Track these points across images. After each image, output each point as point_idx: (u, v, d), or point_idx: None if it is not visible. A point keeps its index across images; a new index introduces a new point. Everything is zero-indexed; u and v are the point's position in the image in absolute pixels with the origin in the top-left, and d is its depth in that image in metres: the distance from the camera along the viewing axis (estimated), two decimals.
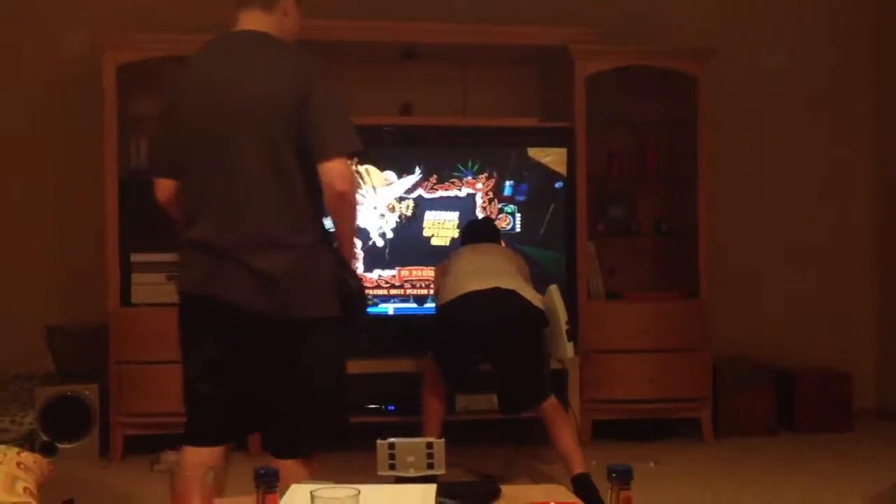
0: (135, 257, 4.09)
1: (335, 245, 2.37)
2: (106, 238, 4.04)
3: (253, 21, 2.33)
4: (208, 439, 2.33)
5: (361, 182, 4.25)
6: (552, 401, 3.43)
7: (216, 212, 2.25)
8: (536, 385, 3.46)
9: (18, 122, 4.44)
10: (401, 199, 4.30)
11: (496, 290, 3.44)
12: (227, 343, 2.27)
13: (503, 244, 4.04)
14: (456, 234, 4.28)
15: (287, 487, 1.96)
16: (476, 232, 3.98)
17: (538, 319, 3.49)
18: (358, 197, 2.29)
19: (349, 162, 2.27)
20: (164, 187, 2.38)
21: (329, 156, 2.21)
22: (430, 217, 4.29)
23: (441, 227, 4.31)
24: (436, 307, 3.74)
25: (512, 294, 3.45)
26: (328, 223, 2.36)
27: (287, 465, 2.23)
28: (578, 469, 3.25)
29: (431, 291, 3.99)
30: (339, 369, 2.36)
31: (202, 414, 2.35)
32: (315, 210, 2.29)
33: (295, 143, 2.23)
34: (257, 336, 2.25)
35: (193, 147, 2.28)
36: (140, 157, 4.25)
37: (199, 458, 2.29)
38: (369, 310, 4.18)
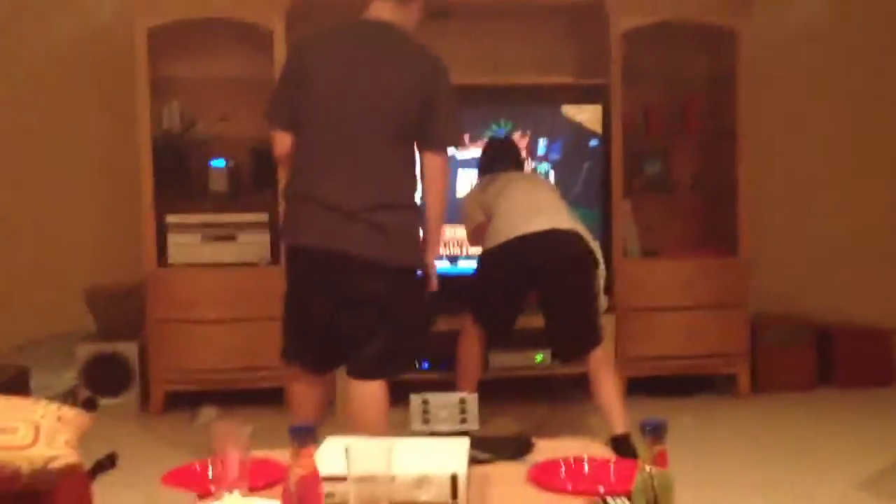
0: (170, 218, 4.12)
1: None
2: (141, 199, 4.08)
3: (385, 11, 2.71)
4: (316, 369, 2.81)
5: None
6: (601, 351, 3.36)
7: (340, 176, 2.62)
8: (592, 328, 3.39)
9: (51, 86, 4.47)
10: None
11: (554, 231, 3.36)
12: (337, 290, 2.65)
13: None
14: None
15: (368, 405, 2.65)
16: (507, 156, 3.82)
17: (594, 260, 3.43)
18: (448, 184, 2.86)
19: (447, 154, 2.75)
20: (286, 140, 2.73)
21: (436, 147, 2.70)
22: (464, 175, 4.26)
23: None
24: (484, 250, 3.55)
25: (571, 234, 3.38)
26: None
27: (373, 386, 2.66)
28: (619, 429, 3.20)
29: (466, 230, 3.75)
30: (427, 308, 2.84)
31: (310, 350, 2.77)
32: (414, 180, 2.75)
33: (410, 126, 2.66)
34: (368, 280, 2.63)
35: (323, 116, 2.65)
36: (172, 119, 4.27)
37: (306, 381, 2.80)
38: None
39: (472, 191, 3.75)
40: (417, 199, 2.76)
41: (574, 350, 3.42)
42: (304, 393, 2.82)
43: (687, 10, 4.31)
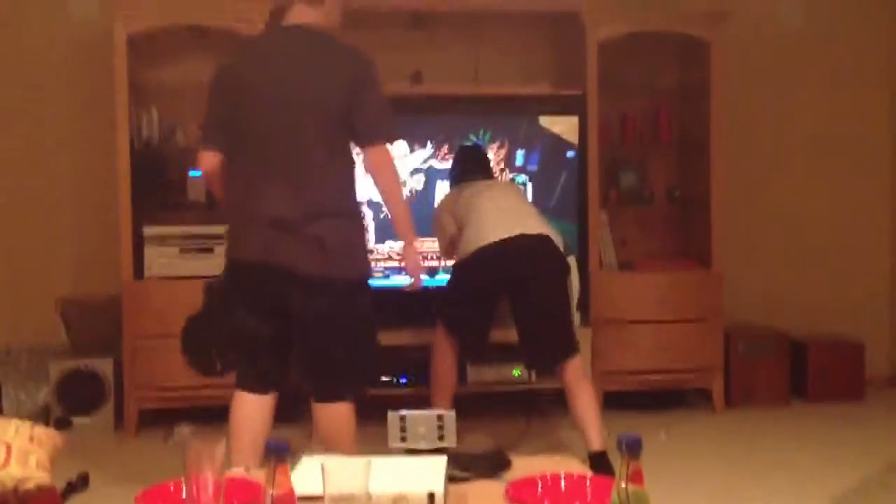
0: (147, 230, 4.09)
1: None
2: (118, 210, 4.04)
3: (306, 14, 2.65)
4: (260, 388, 2.70)
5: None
6: (577, 362, 3.32)
7: (280, 189, 2.56)
8: (568, 336, 3.35)
9: (30, 93, 4.43)
10: (413, 173, 4.28)
11: (524, 236, 3.34)
12: (279, 306, 2.60)
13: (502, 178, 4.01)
14: None
15: (337, 427, 2.63)
16: (477, 165, 3.81)
17: (566, 266, 3.42)
18: (398, 176, 2.74)
19: (389, 146, 2.65)
20: (210, 159, 2.69)
21: (374, 142, 2.61)
22: (442, 187, 4.26)
23: None
24: (457, 260, 3.53)
25: (542, 238, 3.37)
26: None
27: (334, 408, 2.64)
28: (596, 446, 3.18)
29: (440, 243, 3.73)
30: (373, 324, 2.73)
31: (255, 368, 2.70)
32: (354, 183, 2.67)
33: (341, 126, 2.59)
34: (310, 296, 2.57)
35: (255, 129, 2.60)
36: (152, 127, 4.24)
37: (249, 403, 2.69)
38: (383, 282, 4.19)
39: (443, 202, 3.74)
40: (362, 205, 2.76)
41: (549, 359, 3.38)
42: (246, 415, 2.70)
43: (662, 20, 4.36)
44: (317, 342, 2.62)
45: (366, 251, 2.73)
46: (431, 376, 3.59)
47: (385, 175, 2.65)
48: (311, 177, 2.58)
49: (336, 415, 2.66)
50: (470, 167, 3.78)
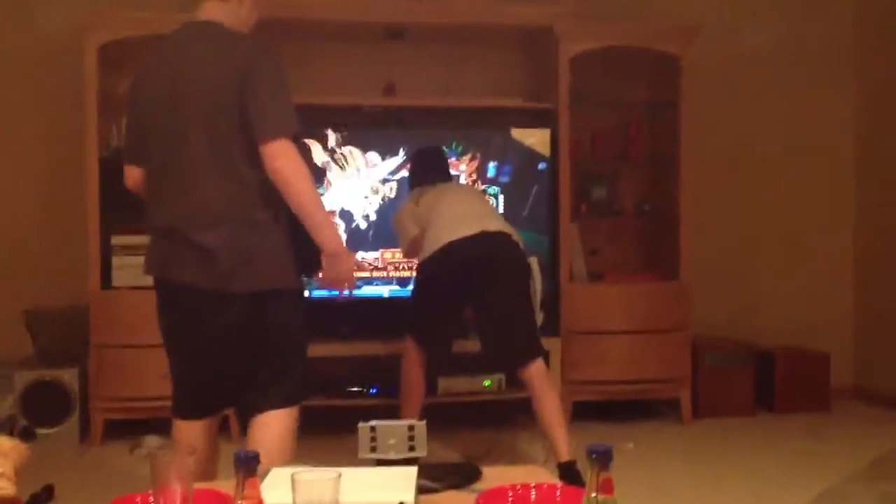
0: (115, 240, 4.05)
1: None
2: (86, 220, 4.00)
3: (210, 10, 2.44)
4: (191, 414, 2.48)
5: (345, 163, 4.23)
6: (541, 364, 3.28)
7: (169, 198, 2.36)
8: (530, 336, 3.34)
9: None
10: (384, 182, 4.28)
11: (484, 233, 3.34)
12: (186, 324, 2.40)
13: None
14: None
15: (268, 442, 2.32)
16: (437, 167, 3.80)
17: (527, 264, 3.42)
18: (305, 176, 2.31)
19: (288, 141, 2.28)
20: (131, 174, 2.51)
21: (270, 137, 2.27)
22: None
23: None
24: (419, 262, 3.51)
25: (502, 235, 3.38)
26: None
27: (270, 416, 2.38)
28: (565, 457, 3.15)
29: (402, 245, 3.71)
30: (293, 340, 2.46)
31: (182, 391, 2.49)
32: (259, 186, 2.32)
33: (238, 125, 2.29)
34: (207, 313, 2.35)
35: (151, 136, 2.40)
36: (121, 137, 4.19)
37: (186, 430, 2.47)
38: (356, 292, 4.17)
39: (404, 203, 3.73)
40: (264, 208, 2.34)
41: (512, 359, 3.34)
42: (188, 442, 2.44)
43: (633, 35, 4.40)
44: (230, 362, 2.40)
45: (276, 259, 2.37)
46: (401, 387, 3.58)
47: (285, 174, 2.26)
48: (194, 182, 2.31)
49: (272, 421, 2.39)
50: (428, 169, 3.77)
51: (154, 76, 2.41)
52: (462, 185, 4.08)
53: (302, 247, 2.41)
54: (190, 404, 2.49)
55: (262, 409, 2.40)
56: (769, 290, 4.93)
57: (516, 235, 3.45)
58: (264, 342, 2.39)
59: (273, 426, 2.39)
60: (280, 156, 2.26)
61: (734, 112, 4.90)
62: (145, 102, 2.41)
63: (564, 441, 3.19)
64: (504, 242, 3.38)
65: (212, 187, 2.31)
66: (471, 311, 3.42)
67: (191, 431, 2.45)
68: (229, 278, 2.30)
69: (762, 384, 4.56)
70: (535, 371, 3.26)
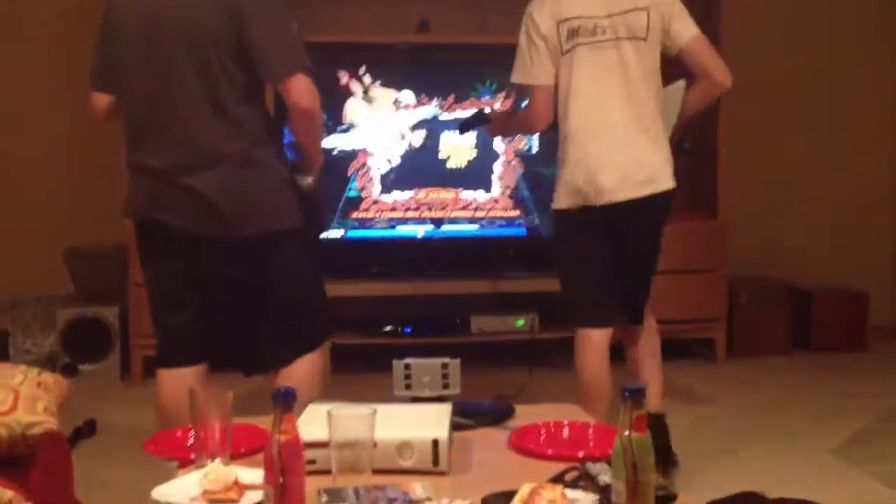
0: None
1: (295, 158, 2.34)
2: (121, 157, 4.01)
3: None
4: (178, 362, 2.32)
5: (374, 104, 4.20)
6: (651, 321, 2.94)
7: (156, 135, 2.22)
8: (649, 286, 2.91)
9: (32, 43, 4.39)
10: (414, 129, 4.25)
11: (635, 201, 2.67)
12: (180, 267, 2.24)
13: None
14: (473, 155, 4.23)
15: (302, 387, 2.02)
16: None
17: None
18: (319, 113, 2.25)
19: (306, 76, 2.17)
20: (99, 102, 2.38)
21: (287, 73, 2.16)
22: (447, 139, 4.24)
23: (457, 150, 4.26)
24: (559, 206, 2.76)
25: (653, 200, 2.71)
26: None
27: (288, 371, 2.27)
28: (652, 408, 2.75)
29: (520, 88, 2.94)
30: (308, 280, 2.35)
31: (169, 338, 2.34)
32: (255, 124, 2.22)
33: (231, 57, 2.15)
34: (206, 258, 2.22)
35: (132, 69, 2.24)
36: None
37: (172, 380, 2.29)
38: (387, 232, 4.19)
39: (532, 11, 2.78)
40: (261, 145, 2.24)
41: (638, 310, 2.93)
42: (175, 394, 2.18)
43: None
44: (239, 310, 2.27)
45: (279, 198, 2.24)
46: (578, 388, 2.80)
47: (305, 108, 2.17)
48: (185, 119, 2.17)
49: (292, 378, 2.24)
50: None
51: (133, 7, 2.23)
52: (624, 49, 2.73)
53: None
54: (177, 352, 2.32)
55: (283, 363, 2.29)
56: (807, 228, 4.86)
57: (669, 170, 2.77)
58: (273, 290, 2.26)
59: (296, 375, 2.26)
60: (302, 91, 2.15)
61: (774, 49, 4.78)
62: (121, 26, 2.23)
63: (657, 392, 2.89)
64: (652, 205, 2.76)
65: (202, 125, 2.17)
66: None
67: (182, 382, 2.19)
68: (229, 222, 2.17)
69: (799, 323, 4.53)
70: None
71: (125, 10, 2.25)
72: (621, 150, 2.68)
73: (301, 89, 2.16)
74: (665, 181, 2.74)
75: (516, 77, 2.83)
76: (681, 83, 2.87)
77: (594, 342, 2.78)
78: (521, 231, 4.29)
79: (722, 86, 2.81)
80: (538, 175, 4.19)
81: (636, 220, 2.75)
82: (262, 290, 2.26)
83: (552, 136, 4.03)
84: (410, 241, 4.26)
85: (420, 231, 4.27)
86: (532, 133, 3.83)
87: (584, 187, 2.68)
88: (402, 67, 4.26)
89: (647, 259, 2.89)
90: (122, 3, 2.26)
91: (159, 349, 2.38)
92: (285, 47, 2.18)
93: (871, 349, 4.54)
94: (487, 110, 3.07)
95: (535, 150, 4.27)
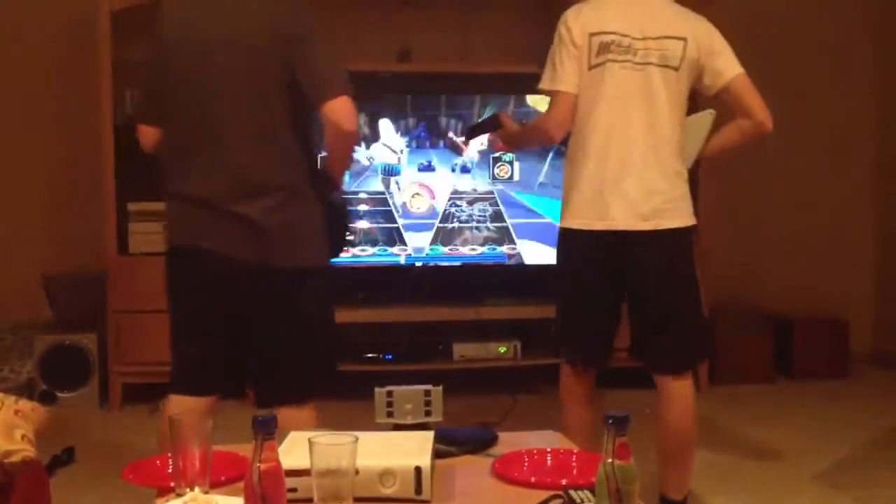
0: (132, 206, 4.07)
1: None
2: (103, 186, 4.02)
3: None
4: (195, 391, 2.32)
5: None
6: (687, 382, 2.63)
7: (200, 162, 2.22)
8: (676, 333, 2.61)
9: (12, 69, 4.38)
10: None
11: (639, 234, 2.54)
12: (217, 297, 2.25)
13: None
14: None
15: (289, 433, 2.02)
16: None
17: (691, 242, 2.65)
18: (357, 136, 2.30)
19: (350, 99, 2.19)
20: (148, 135, 2.36)
21: (332, 95, 2.17)
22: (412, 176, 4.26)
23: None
24: (565, 232, 2.63)
25: (659, 236, 2.55)
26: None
27: (291, 412, 2.23)
28: (674, 495, 2.59)
29: (545, 93, 2.70)
30: (329, 317, 2.37)
31: (190, 366, 2.34)
32: (301, 154, 2.26)
33: (278, 83, 2.18)
34: (245, 287, 2.22)
35: (175, 95, 2.25)
36: (135, 104, 4.20)
37: (183, 406, 2.28)
38: (369, 259, 4.19)
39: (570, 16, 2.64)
40: (304, 177, 2.26)
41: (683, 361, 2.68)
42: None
43: None
44: (257, 341, 2.28)
45: (318, 236, 2.28)
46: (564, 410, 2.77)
47: (345, 130, 2.19)
48: (229, 145, 2.18)
49: (293, 419, 2.18)
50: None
51: (176, 33, 2.25)
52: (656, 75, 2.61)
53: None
54: (197, 380, 2.32)
55: (285, 402, 2.26)
56: (786, 254, 4.89)
57: (687, 205, 2.65)
58: (297, 323, 2.27)
59: (296, 422, 2.17)
60: (346, 113, 2.17)
61: (752, 69, 4.82)
62: (168, 61, 2.25)
63: (682, 477, 2.63)
64: (665, 240, 2.59)
65: (253, 154, 2.18)
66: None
67: (192, 409, 2.23)
68: (274, 250, 2.19)
69: (780, 351, 4.55)
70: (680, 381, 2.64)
71: (175, 38, 2.26)
72: (633, 178, 2.54)
73: (346, 111, 2.18)
74: (676, 218, 2.58)
75: (545, 83, 2.66)
76: (708, 113, 2.75)
77: (579, 377, 2.72)
78: (503, 258, 4.31)
79: (764, 127, 2.65)
80: (518, 202, 4.22)
81: (641, 254, 2.56)
82: (286, 325, 2.26)
83: (532, 163, 3.92)
84: (393, 268, 4.26)
85: (402, 257, 4.27)
86: (546, 142, 3.32)
87: (592, 209, 2.56)
88: (383, 96, 4.28)
89: (661, 299, 2.60)
90: (171, 33, 2.27)
91: (175, 375, 2.36)
92: (333, 69, 2.21)
93: (851, 376, 4.56)
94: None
95: (516, 177, 4.29)
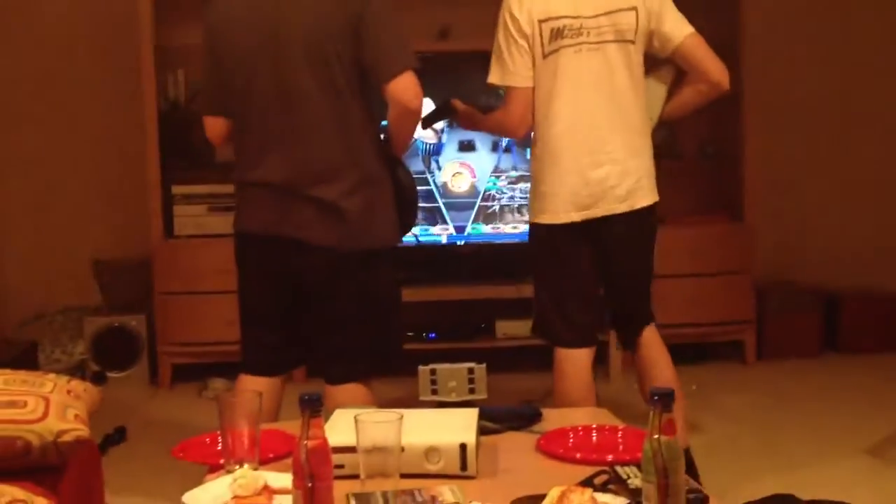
0: (176, 189, 4.12)
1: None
2: (147, 171, 4.07)
3: None
4: (266, 371, 2.38)
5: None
6: (653, 327, 2.74)
7: (279, 150, 2.23)
8: (647, 297, 2.73)
9: (54, 55, 4.43)
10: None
11: (615, 216, 2.57)
12: (290, 282, 2.29)
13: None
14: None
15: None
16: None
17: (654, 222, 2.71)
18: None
19: (414, 74, 2.19)
20: (215, 125, 2.37)
21: (398, 72, 2.17)
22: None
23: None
24: (536, 223, 2.63)
25: (632, 216, 2.59)
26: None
27: (349, 389, 2.28)
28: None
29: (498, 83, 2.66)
30: (396, 296, 2.42)
31: (261, 348, 2.40)
32: (373, 134, 2.28)
33: (351, 64, 2.19)
34: (321, 270, 2.25)
35: (245, 86, 2.24)
36: (178, 88, 4.25)
37: (255, 386, 2.30)
38: (411, 238, 4.19)
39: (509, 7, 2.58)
40: (377, 159, 2.28)
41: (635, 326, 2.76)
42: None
43: None
44: (329, 320, 2.31)
45: (390, 216, 2.32)
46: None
47: (412, 106, 2.20)
48: (308, 132, 2.21)
49: (345, 398, 2.25)
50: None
51: (241, 20, 2.24)
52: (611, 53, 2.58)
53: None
54: (268, 361, 2.38)
55: (352, 379, 2.31)
56: (837, 231, 4.80)
57: (650, 184, 2.66)
58: (371, 303, 2.30)
59: (354, 396, 2.27)
60: (411, 89, 2.18)
61: (802, 47, 4.74)
62: (235, 50, 2.24)
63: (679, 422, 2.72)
64: (628, 223, 2.63)
65: (329, 138, 2.20)
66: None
67: (259, 388, 2.22)
68: (353, 233, 2.22)
69: (828, 325, 4.48)
70: (649, 335, 2.75)
71: (241, 29, 2.25)
72: (606, 166, 2.52)
73: (411, 87, 2.19)
74: (645, 196, 2.60)
75: (494, 78, 2.62)
76: (666, 71, 2.70)
77: (574, 362, 2.64)
78: None
79: (720, 86, 2.60)
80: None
81: (616, 235, 2.59)
82: (360, 305, 2.29)
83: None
84: (435, 247, 4.26)
85: (444, 236, 4.27)
86: (510, 137, 3.58)
87: (563, 201, 2.53)
88: (421, 76, 4.25)
89: (637, 275, 2.71)
90: (233, 22, 2.26)
91: (246, 357, 2.42)
92: (402, 44, 2.21)
93: None
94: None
95: None
